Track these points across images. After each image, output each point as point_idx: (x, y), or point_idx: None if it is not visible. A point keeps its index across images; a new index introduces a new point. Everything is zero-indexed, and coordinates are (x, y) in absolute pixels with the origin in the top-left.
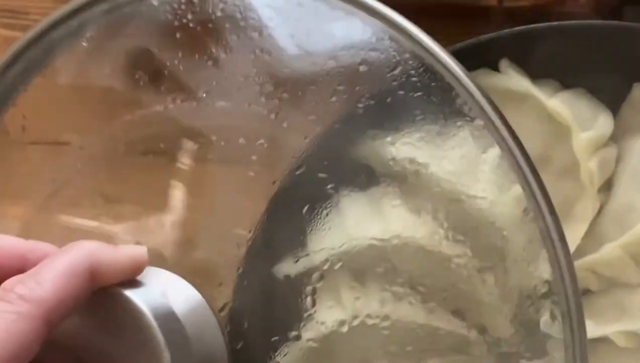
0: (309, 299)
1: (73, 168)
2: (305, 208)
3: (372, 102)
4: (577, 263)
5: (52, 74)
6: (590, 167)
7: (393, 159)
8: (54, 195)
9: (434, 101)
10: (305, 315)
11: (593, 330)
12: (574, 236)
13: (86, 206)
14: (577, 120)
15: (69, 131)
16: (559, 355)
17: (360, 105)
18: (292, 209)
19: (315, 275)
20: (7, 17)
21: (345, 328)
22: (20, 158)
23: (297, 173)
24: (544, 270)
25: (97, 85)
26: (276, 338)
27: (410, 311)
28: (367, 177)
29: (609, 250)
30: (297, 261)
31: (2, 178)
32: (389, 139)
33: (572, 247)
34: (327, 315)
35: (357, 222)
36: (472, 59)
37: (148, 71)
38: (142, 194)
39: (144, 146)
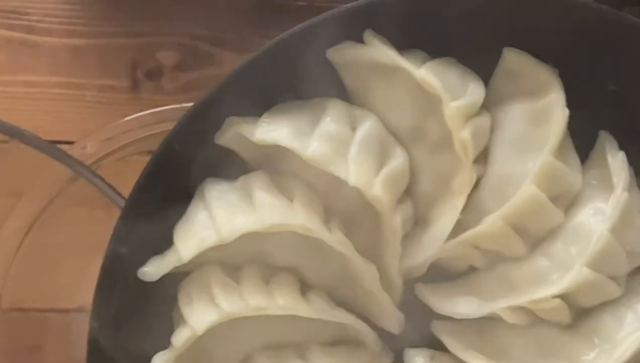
0: (179, 302)
1: None
2: (168, 203)
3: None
4: (459, 239)
5: None
6: (463, 137)
7: (258, 145)
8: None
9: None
10: (176, 319)
11: (479, 307)
12: (452, 210)
13: None
14: (447, 89)
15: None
16: None
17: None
18: (153, 205)
19: (184, 275)
20: (7, 17)
21: (221, 327)
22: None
23: (156, 164)
24: (424, 250)
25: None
26: (145, 348)
27: (289, 304)
28: (233, 166)
29: (490, 222)
30: (162, 260)
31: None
32: (250, 124)
33: (451, 222)
34: (200, 317)
35: (225, 213)
36: (334, 31)
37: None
38: None
39: None
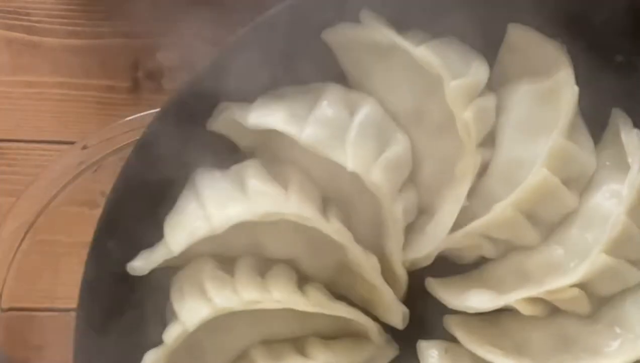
0: (171, 297)
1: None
2: (156, 192)
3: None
4: (468, 228)
5: None
6: (466, 118)
7: (253, 130)
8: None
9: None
10: (168, 315)
11: (494, 300)
12: (456, 198)
13: None
14: (447, 68)
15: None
16: None
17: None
18: (141, 195)
19: (175, 268)
20: (7, 17)
21: (215, 322)
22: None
23: (143, 151)
24: (429, 241)
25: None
26: (134, 345)
27: (285, 297)
28: (225, 152)
29: (500, 210)
30: (152, 253)
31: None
32: (244, 108)
33: (456, 209)
34: (191, 313)
35: (217, 203)
36: (327, 11)
37: None
38: None
39: None
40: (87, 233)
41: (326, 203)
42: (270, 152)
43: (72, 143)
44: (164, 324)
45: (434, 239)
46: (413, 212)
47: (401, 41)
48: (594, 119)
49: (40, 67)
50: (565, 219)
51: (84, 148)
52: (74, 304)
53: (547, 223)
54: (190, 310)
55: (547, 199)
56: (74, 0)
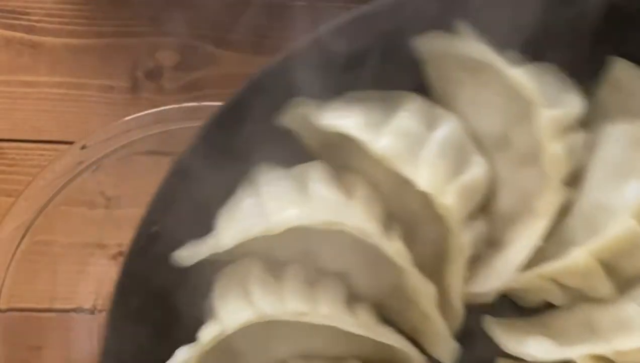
0: (211, 293)
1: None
2: (212, 183)
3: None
4: (540, 270)
5: None
6: (555, 151)
7: (322, 131)
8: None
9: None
10: (207, 312)
11: (556, 351)
12: (532, 235)
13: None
14: (543, 96)
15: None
16: None
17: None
18: (197, 183)
19: (221, 264)
20: (7, 17)
21: (254, 328)
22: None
23: (203, 141)
24: (494, 277)
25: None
26: (168, 341)
27: (333, 313)
28: (290, 150)
29: (577, 256)
30: (201, 245)
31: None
32: (318, 108)
33: (529, 248)
34: (232, 315)
35: (276, 202)
36: (420, 20)
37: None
38: None
39: None
40: (86, 234)
41: (389, 219)
42: (338, 157)
43: (71, 142)
44: (197, 321)
45: (501, 275)
46: (481, 243)
47: (497, 59)
48: None
49: (39, 67)
50: None
51: (83, 147)
52: (73, 304)
53: (625, 276)
54: (232, 312)
55: (629, 252)
56: (74, 0)
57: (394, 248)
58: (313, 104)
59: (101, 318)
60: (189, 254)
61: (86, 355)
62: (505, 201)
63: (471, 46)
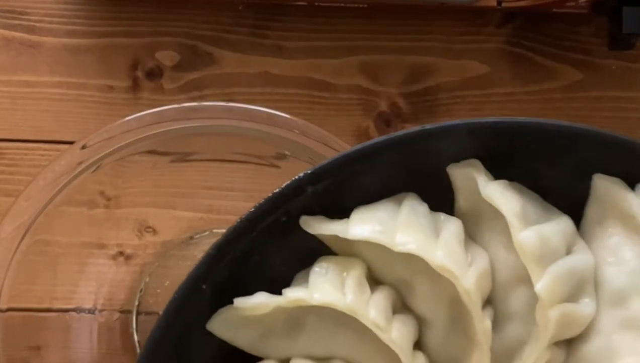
0: (314, 266)
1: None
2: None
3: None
4: None
5: None
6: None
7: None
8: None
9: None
10: (297, 280)
11: None
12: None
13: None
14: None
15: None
16: None
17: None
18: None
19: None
20: (7, 17)
21: (327, 312)
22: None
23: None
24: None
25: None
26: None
27: (404, 346)
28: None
29: None
30: (329, 223)
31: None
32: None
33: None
34: (323, 292)
35: (411, 228)
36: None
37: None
38: None
39: None
40: (86, 234)
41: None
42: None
43: (71, 142)
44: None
45: None
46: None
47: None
48: None
49: (39, 67)
50: None
51: (83, 147)
52: (73, 304)
53: None
54: (324, 290)
55: None
56: (74, 0)
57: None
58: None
59: (101, 318)
60: (315, 223)
61: (86, 355)
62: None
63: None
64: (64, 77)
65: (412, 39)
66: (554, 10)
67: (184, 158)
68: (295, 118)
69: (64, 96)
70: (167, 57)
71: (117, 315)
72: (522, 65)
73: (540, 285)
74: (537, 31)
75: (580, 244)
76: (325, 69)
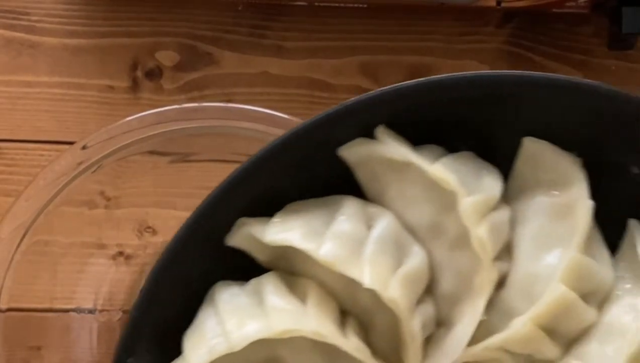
0: None
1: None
2: (177, 303)
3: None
4: (488, 343)
5: None
6: (480, 234)
7: (270, 246)
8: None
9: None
10: None
11: None
12: (474, 311)
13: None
14: (462, 186)
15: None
16: None
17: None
18: (161, 306)
19: None
20: (7, 17)
21: None
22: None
23: (162, 263)
24: (447, 355)
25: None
26: None
27: None
28: (243, 267)
29: (520, 325)
30: None
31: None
32: (263, 224)
33: (474, 323)
34: None
35: (235, 320)
36: (347, 126)
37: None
38: None
39: None
40: (86, 234)
41: (344, 316)
42: (289, 265)
43: (71, 143)
44: None
45: (452, 353)
46: (431, 325)
47: (416, 158)
48: (610, 230)
49: (39, 67)
50: (584, 333)
51: (83, 148)
52: (73, 304)
53: (566, 337)
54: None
55: (566, 315)
56: (74, 0)
57: (352, 346)
58: (256, 221)
59: (101, 318)
60: None
61: (86, 355)
62: (447, 283)
63: (391, 149)
64: (64, 77)
65: (412, 39)
66: (554, 10)
67: (184, 158)
68: (295, 118)
69: (64, 96)
70: (167, 58)
71: (117, 315)
72: (522, 65)
73: (367, 279)
74: (537, 31)
75: (380, 215)
76: (325, 69)
